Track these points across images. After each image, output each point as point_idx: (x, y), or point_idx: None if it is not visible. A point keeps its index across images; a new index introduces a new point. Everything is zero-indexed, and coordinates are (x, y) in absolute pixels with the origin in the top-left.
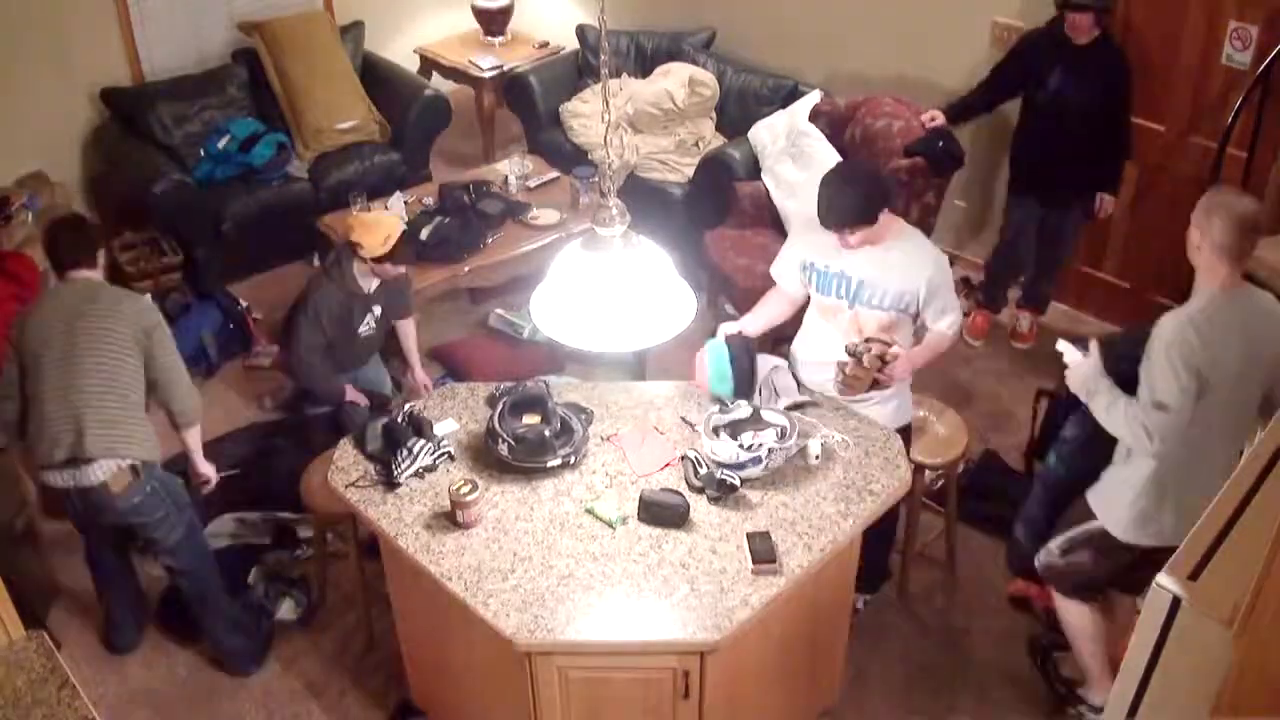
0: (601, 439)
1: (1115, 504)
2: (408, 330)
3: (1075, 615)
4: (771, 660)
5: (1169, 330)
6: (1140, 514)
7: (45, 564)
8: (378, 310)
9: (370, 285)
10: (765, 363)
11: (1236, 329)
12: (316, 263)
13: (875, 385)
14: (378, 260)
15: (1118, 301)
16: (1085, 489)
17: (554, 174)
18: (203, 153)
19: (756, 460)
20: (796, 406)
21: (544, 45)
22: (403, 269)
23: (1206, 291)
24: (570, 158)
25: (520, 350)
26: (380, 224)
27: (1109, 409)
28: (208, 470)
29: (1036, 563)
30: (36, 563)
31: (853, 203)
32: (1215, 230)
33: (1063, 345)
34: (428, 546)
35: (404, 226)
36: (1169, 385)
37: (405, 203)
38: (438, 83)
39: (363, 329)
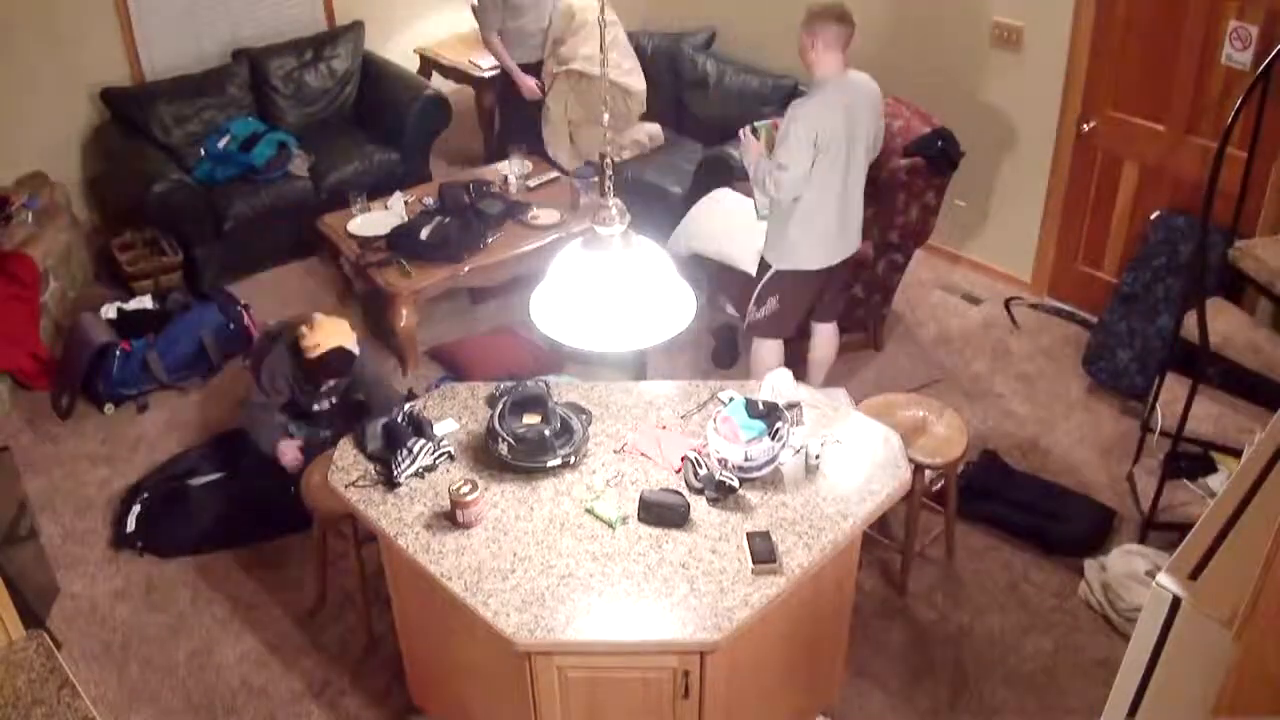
0: (614, 451)
1: (772, 246)
2: None
3: (768, 351)
4: (771, 660)
5: (795, 109)
6: (790, 244)
7: (45, 564)
8: (330, 398)
9: (322, 381)
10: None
11: (842, 106)
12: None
13: None
14: (308, 362)
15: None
16: None
17: (554, 174)
18: (203, 152)
19: (761, 465)
20: (795, 406)
21: None
22: (333, 381)
23: (821, 79)
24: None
25: (519, 350)
26: (329, 337)
27: (755, 166)
28: None
29: (746, 325)
30: (36, 563)
31: None
32: (824, 32)
33: (743, 133)
34: (428, 546)
35: (354, 350)
36: (790, 150)
37: (405, 203)
38: (438, 83)
39: (315, 407)
